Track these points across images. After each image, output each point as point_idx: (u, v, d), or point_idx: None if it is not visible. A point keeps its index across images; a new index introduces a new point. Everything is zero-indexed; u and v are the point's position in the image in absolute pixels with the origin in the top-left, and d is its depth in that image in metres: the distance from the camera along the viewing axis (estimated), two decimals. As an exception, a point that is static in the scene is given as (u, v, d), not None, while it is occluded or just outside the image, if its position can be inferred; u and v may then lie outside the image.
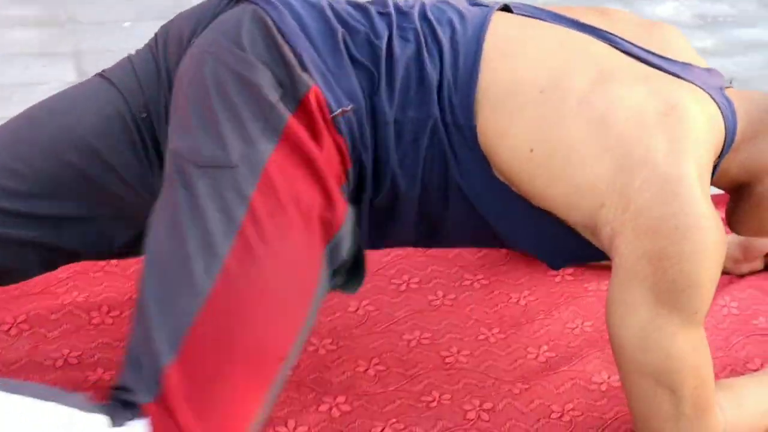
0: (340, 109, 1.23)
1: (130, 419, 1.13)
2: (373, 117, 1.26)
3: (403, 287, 1.64)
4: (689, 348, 1.24)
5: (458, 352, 1.53)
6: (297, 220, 1.19)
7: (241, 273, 1.17)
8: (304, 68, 1.23)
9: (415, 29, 1.30)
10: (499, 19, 1.34)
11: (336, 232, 1.23)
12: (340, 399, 1.43)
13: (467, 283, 1.66)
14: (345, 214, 1.23)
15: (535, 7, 1.40)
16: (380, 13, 1.31)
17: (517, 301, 1.64)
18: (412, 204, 1.30)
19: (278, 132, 1.20)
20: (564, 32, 1.34)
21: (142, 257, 1.23)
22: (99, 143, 1.32)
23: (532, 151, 1.26)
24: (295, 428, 1.37)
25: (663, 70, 1.32)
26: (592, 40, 1.34)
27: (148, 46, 1.38)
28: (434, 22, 1.31)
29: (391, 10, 1.32)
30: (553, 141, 1.25)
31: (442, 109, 1.27)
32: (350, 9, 1.32)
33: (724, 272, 1.59)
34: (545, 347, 1.54)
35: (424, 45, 1.28)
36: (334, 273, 1.25)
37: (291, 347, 1.20)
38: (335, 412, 1.41)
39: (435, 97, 1.26)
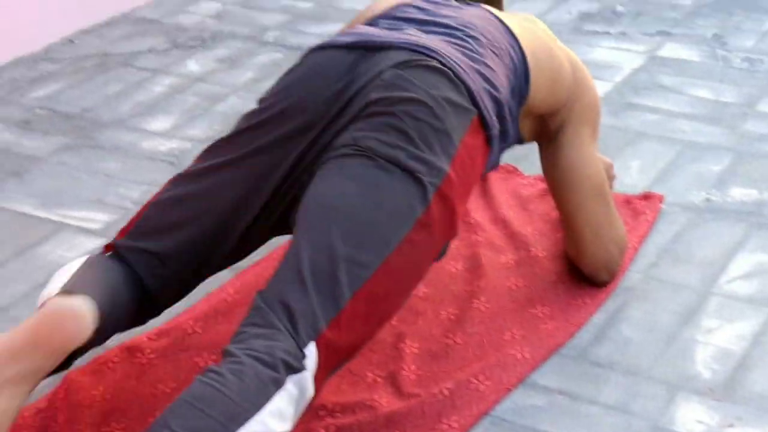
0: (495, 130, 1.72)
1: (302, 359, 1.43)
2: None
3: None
4: (601, 167, 2.01)
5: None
6: (451, 226, 1.63)
7: (411, 248, 1.56)
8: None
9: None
10: (508, 21, 1.89)
11: (453, 237, 1.68)
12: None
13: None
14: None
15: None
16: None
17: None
18: None
19: (451, 156, 1.61)
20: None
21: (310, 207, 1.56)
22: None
23: (554, 80, 1.88)
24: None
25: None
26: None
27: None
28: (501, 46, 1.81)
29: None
30: (555, 67, 1.89)
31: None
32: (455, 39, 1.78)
33: None
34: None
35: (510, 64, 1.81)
36: None
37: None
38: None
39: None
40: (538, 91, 1.85)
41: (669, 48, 3.06)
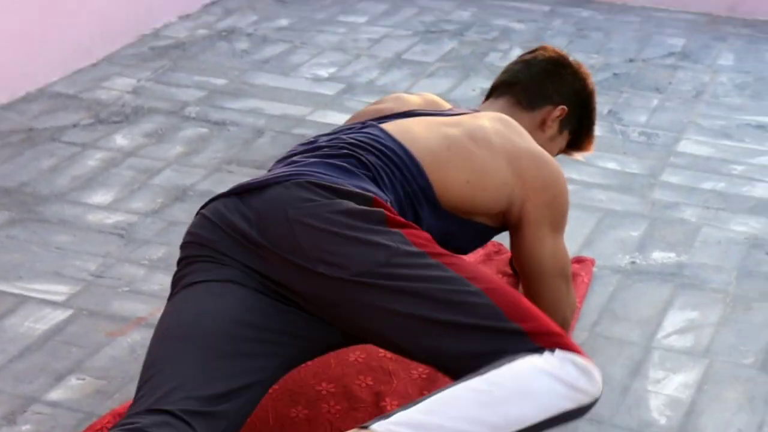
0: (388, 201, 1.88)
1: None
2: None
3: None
4: (566, 249, 2.11)
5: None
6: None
7: (469, 273, 1.77)
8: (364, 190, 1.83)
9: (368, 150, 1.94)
10: (385, 126, 2.01)
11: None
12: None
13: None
14: None
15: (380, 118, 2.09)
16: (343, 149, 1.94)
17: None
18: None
19: (384, 221, 1.78)
20: (411, 118, 2.06)
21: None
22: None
23: (468, 182, 1.97)
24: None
25: (464, 114, 2.12)
26: (422, 117, 2.08)
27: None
28: (366, 141, 1.95)
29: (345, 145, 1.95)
30: (475, 169, 1.98)
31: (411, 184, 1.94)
32: (336, 152, 1.92)
33: None
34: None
35: (381, 155, 1.93)
36: None
37: None
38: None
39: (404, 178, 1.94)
40: (450, 186, 1.96)
41: (571, 123, 3.30)
